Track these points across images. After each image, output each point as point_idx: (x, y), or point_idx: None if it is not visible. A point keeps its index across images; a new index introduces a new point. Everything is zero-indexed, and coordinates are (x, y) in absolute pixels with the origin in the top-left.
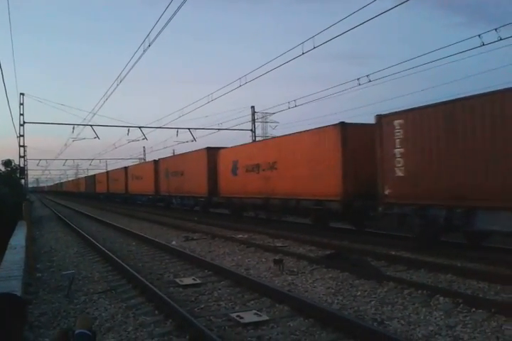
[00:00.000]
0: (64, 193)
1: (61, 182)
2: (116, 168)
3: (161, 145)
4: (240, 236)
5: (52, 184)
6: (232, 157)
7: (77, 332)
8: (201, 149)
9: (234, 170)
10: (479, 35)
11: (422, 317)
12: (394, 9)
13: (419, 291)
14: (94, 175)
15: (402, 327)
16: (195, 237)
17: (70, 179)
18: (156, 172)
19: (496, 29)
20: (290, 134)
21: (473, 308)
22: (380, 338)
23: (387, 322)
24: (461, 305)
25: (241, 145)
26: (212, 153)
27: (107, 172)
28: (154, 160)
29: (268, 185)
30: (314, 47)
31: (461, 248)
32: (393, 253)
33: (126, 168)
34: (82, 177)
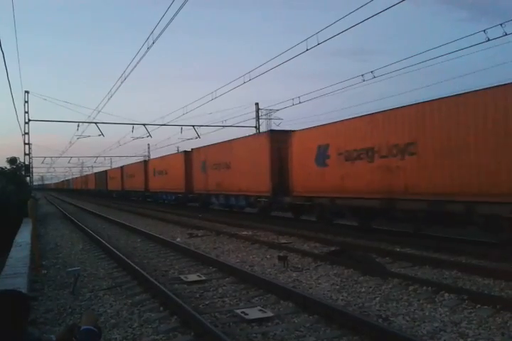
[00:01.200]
0: (72, 191)
1: (68, 179)
2: (127, 163)
3: (166, 143)
4: (245, 233)
5: (58, 181)
6: (319, 139)
7: (82, 328)
8: (261, 133)
9: (321, 159)
10: (484, 31)
11: (426, 314)
12: (398, 4)
13: (424, 287)
14: (106, 170)
15: (406, 323)
16: (199, 234)
17: (77, 176)
18: (188, 165)
19: (501, 24)
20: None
21: (479, 305)
22: (385, 335)
23: (391, 319)
24: (466, 301)
25: (334, 122)
26: (277, 137)
27: (122, 167)
28: (185, 152)
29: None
30: (318, 44)
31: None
32: (398, 249)
33: (145, 162)
34: (91, 174)
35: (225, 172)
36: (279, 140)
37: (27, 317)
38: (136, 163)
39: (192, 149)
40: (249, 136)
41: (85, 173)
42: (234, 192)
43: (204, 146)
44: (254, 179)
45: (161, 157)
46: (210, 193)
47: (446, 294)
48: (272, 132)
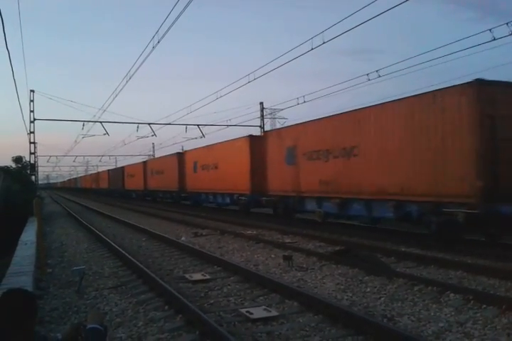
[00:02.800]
0: (80, 190)
1: (76, 178)
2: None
3: (170, 142)
4: (249, 232)
5: (65, 180)
6: (288, 141)
7: (88, 326)
8: (242, 138)
9: (290, 159)
10: (490, 30)
11: (432, 314)
12: (404, 4)
13: (430, 288)
14: (123, 167)
15: (412, 323)
16: (204, 233)
17: (87, 173)
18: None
19: (507, 23)
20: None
21: (484, 305)
22: (390, 334)
23: (397, 319)
24: (472, 301)
25: (299, 124)
26: (256, 141)
27: (145, 162)
28: (251, 136)
29: None
30: (323, 43)
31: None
32: (403, 249)
33: (180, 155)
34: (103, 171)
35: (213, 173)
36: (258, 144)
37: (36, 317)
38: (163, 157)
39: (265, 132)
40: (232, 139)
41: (90, 172)
42: (221, 191)
43: (195, 148)
44: (237, 179)
45: (205, 147)
46: (200, 192)
47: (452, 294)
48: (251, 136)
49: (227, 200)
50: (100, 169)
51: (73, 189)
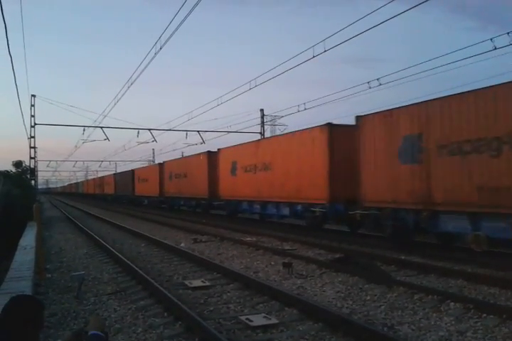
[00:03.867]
0: (82, 196)
1: (77, 183)
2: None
3: (170, 148)
4: (249, 238)
5: (65, 184)
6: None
7: (90, 333)
8: (202, 153)
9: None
10: (491, 39)
11: (432, 323)
12: (405, 13)
13: (430, 296)
14: (132, 170)
15: (412, 332)
16: (203, 239)
17: (87, 178)
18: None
19: (508, 33)
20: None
21: (484, 314)
22: None
23: (397, 327)
24: (472, 310)
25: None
26: (213, 156)
27: (161, 164)
28: (328, 124)
29: None
30: (325, 51)
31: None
32: (403, 257)
33: (210, 154)
34: (109, 175)
35: (185, 181)
36: (214, 158)
37: (43, 326)
38: (188, 157)
39: (328, 125)
40: (197, 154)
41: (90, 177)
42: (190, 196)
43: (171, 159)
44: (199, 186)
45: (247, 144)
46: (175, 196)
47: (452, 303)
48: (208, 152)
49: (193, 204)
50: (100, 174)
51: (74, 194)
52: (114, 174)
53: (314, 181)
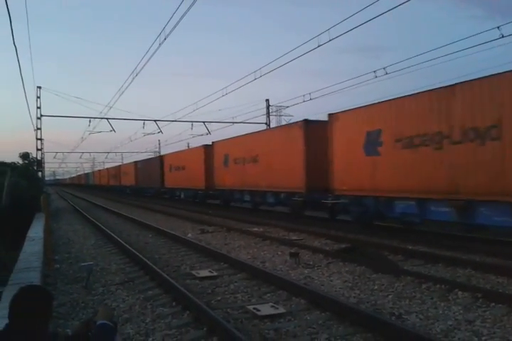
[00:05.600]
0: (93, 187)
1: (87, 173)
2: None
3: (176, 139)
4: (256, 229)
5: (74, 175)
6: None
7: (98, 323)
8: (198, 147)
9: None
10: (498, 27)
11: (440, 312)
12: (412, 1)
13: (438, 285)
14: (161, 157)
15: (420, 321)
16: (210, 230)
17: (93, 169)
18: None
19: None
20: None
21: (493, 303)
22: (398, 332)
23: (405, 317)
24: (480, 299)
25: (233, 137)
26: (208, 149)
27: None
28: (305, 120)
29: None
30: (330, 40)
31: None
32: (410, 247)
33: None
34: (127, 164)
35: (181, 172)
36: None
37: (51, 316)
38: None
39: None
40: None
41: (96, 168)
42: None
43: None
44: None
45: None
46: (175, 188)
47: (460, 292)
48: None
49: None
50: (107, 166)
51: (84, 186)
52: (136, 162)
53: (294, 172)
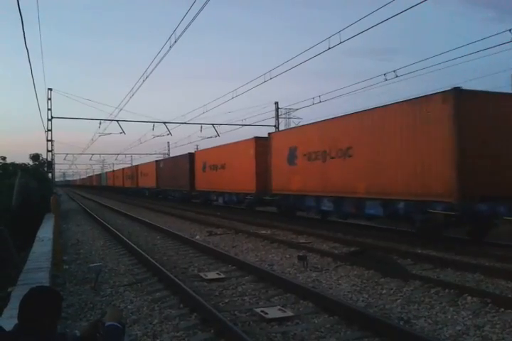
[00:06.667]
0: (106, 189)
1: (99, 174)
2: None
3: (185, 141)
4: (263, 231)
5: (85, 176)
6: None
7: (107, 324)
8: (183, 154)
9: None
10: (510, 30)
11: (449, 317)
12: (422, 4)
13: (447, 290)
14: (190, 154)
15: (429, 326)
16: (218, 232)
17: (102, 171)
18: (260, 158)
19: None
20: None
21: (502, 308)
22: (407, 337)
23: (413, 321)
24: (490, 304)
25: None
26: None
27: (259, 140)
28: (255, 138)
29: None
30: (341, 42)
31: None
32: (419, 251)
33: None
34: (147, 163)
35: (219, 172)
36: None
37: (60, 317)
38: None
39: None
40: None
41: (106, 170)
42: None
43: (205, 149)
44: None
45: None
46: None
47: (469, 297)
48: (189, 154)
49: (234, 199)
50: (116, 167)
51: (96, 187)
52: (157, 161)
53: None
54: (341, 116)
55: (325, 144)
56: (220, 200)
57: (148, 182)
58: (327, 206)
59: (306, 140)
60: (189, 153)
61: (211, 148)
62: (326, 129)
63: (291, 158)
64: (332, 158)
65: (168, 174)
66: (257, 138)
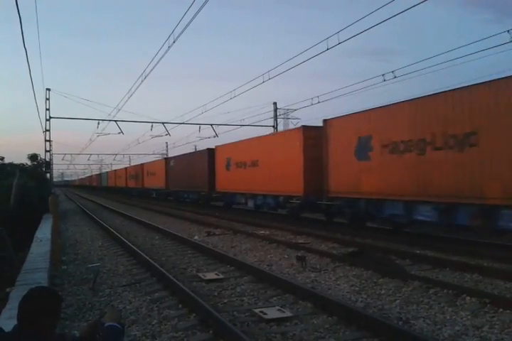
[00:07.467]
0: (107, 190)
1: (100, 174)
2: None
3: (184, 141)
4: (262, 232)
5: (84, 176)
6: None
7: (106, 324)
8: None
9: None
10: (508, 31)
11: (448, 317)
12: (421, 4)
13: (445, 291)
14: (210, 149)
15: (427, 326)
16: (217, 232)
17: (101, 171)
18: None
19: None
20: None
21: (501, 309)
22: (405, 337)
23: (412, 322)
24: (488, 305)
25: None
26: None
27: (306, 129)
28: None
29: None
30: (339, 43)
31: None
32: (418, 251)
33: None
34: (154, 161)
35: (249, 171)
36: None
37: (60, 318)
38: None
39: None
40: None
41: (104, 170)
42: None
43: (230, 143)
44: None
45: (236, 143)
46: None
47: (468, 297)
48: (208, 150)
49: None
50: (114, 167)
51: (96, 188)
52: (167, 159)
53: (293, 176)
54: (454, 89)
55: (424, 130)
56: (251, 204)
57: (156, 182)
58: (426, 215)
59: (387, 126)
60: (208, 149)
61: (237, 142)
62: (424, 110)
63: (362, 150)
64: (437, 148)
65: (181, 173)
66: (305, 128)
